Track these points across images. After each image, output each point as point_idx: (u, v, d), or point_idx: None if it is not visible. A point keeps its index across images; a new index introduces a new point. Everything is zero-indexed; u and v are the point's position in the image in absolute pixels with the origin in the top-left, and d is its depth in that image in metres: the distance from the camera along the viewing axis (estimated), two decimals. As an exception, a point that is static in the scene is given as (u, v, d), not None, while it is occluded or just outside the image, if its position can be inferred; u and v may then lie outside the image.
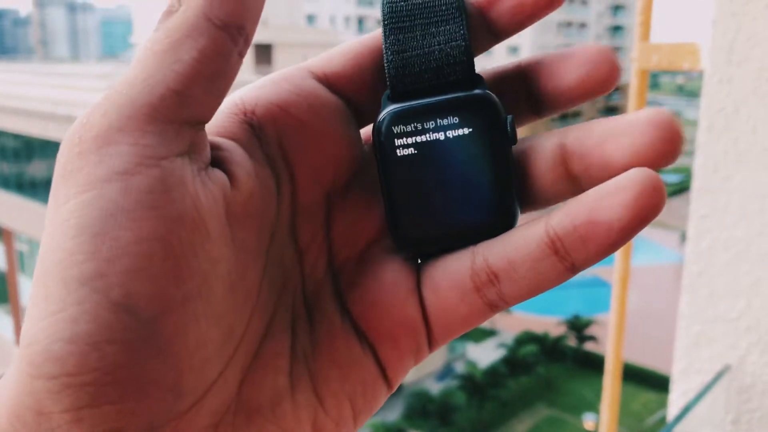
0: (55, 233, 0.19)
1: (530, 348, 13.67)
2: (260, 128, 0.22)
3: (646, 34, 1.01)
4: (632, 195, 0.20)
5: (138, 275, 0.18)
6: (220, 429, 0.20)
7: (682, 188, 19.78)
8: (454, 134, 0.22)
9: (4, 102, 12.50)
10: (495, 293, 0.22)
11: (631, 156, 0.21)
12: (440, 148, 0.23)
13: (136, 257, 0.18)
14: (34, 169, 12.88)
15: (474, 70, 0.23)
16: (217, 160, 0.21)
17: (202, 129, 0.21)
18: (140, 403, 0.18)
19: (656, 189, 0.20)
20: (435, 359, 13.37)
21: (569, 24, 33.89)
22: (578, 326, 14.60)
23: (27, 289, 12.88)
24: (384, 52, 0.23)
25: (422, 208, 0.23)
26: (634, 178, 0.20)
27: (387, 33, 0.23)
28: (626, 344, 1.16)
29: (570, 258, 0.21)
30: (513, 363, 13.45)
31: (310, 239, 0.23)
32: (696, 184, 0.91)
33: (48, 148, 12.20)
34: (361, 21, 32.56)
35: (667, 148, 0.21)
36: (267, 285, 0.22)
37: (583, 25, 34.56)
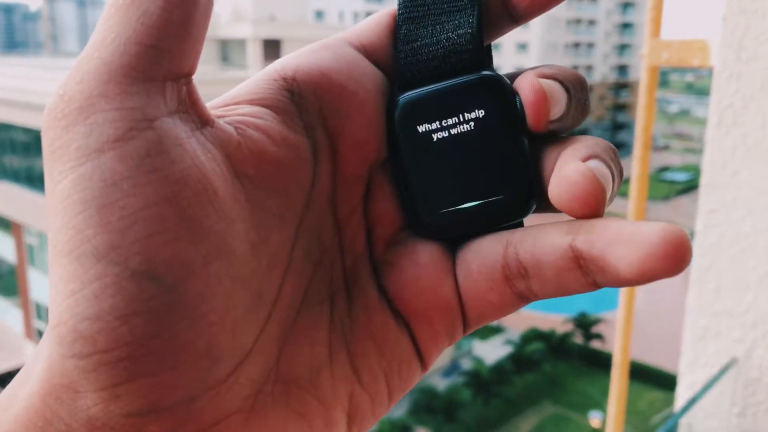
0: (59, 212, 0.18)
1: (536, 345, 13.65)
2: (300, 95, 0.22)
3: (656, 30, 1.02)
4: (641, 255, 0.19)
5: (153, 240, 0.18)
6: (259, 399, 0.20)
7: (690, 186, 19.67)
8: (465, 116, 0.23)
9: (14, 96, 12.55)
10: (524, 286, 0.22)
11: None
12: (451, 131, 0.23)
13: (148, 223, 0.18)
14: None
15: (482, 56, 0.23)
16: (229, 122, 0.21)
17: (189, 83, 0.20)
18: (176, 373, 0.18)
19: (671, 253, 0.19)
20: (441, 356, 13.35)
21: (578, 21, 33.74)
22: (585, 324, 14.57)
23: (37, 282, 12.94)
24: (396, 42, 0.23)
25: (438, 192, 0.23)
26: (652, 236, 0.19)
27: (400, 23, 0.23)
28: (633, 342, 1.17)
29: (592, 276, 0.20)
30: (519, 360, 13.44)
31: (350, 213, 0.23)
32: (704, 179, 0.92)
33: (57, 143, 12.20)
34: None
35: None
36: (302, 254, 0.22)
37: (592, 22, 34.40)
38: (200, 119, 0.20)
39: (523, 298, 0.22)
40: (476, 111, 0.23)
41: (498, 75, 0.23)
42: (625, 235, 0.20)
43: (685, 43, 0.98)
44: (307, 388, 0.21)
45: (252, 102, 0.21)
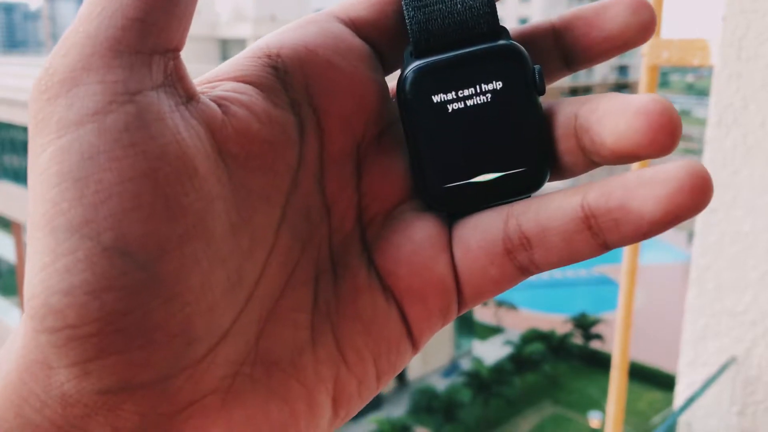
0: (37, 185, 0.18)
1: (536, 346, 13.65)
2: (285, 71, 0.21)
3: (656, 29, 1.02)
4: (667, 191, 0.19)
5: (127, 216, 0.17)
6: (237, 380, 0.20)
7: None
8: (481, 87, 0.22)
9: (14, 95, 12.55)
10: (526, 258, 0.21)
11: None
12: (468, 102, 0.22)
13: (122, 198, 0.17)
14: (44, 162, 12.91)
15: (498, 22, 0.22)
16: (213, 98, 0.20)
17: (176, 58, 0.20)
18: (149, 352, 0.18)
19: (696, 188, 0.19)
20: (441, 356, 13.38)
21: (580, 0, 33.80)
22: (585, 324, 14.57)
23: (36, 281, 12.90)
24: (404, 7, 0.22)
25: (450, 163, 0.22)
26: (674, 171, 0.19)
27: None
28: (632, 343, 1.17)
29: (603, 236, 0.20)
30: (519, 360, 13.44)
31: (339, 191, 0.22)
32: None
33: (58, 142, 12.22)
34: (370, 17, 32.44)
35: (695, 195, 0.19)
36: (288, 233, 0.21)
37: (593, 2, 34.36)
38: (186, 94, 0.19)
39: (524, 272, 0.22)
40: (493, 82, 0.22)
41: (517, 45, 0.22)
42: (646, 177, 0.19)
43: (685, 42, 0.99)
44: (288, 371, 0.21)
45: (236, 79, 0.21)
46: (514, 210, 0.22)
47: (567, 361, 14.18)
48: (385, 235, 0.23)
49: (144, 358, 0.18)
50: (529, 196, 0.23)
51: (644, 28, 0.22)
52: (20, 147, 13.34)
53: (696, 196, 0.19)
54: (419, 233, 0.22)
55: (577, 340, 14.49)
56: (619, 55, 0.23)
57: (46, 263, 0.17)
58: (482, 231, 0.22)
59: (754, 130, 0.87)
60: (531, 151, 0.22)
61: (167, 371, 0.18)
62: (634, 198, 0.19)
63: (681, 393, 0.99)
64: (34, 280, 0.18)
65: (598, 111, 0.21)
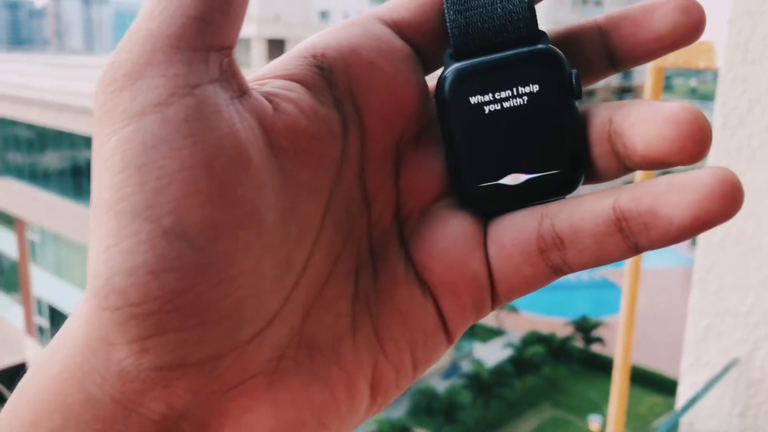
0: (102, 172, 0.19)
1: (537, 348, 13.64)
2: (330, 71, 0.22)
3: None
4: (697, 198, 0.19)
5: (186, 202, 0.18)
6: (282, 363, 0.21)
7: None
8: (518, 89, 0.22)
9: (18, 92, 12.58)
10: (559, 257, 0.22)
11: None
12: (505, 104, 0.22)
13: (182, 185, 0.18)
14: (47, 159, 12.93)
15: (537, 26, 0.23)
16: (264, 94, 0.21)
17: (230, 55, 0.21)
18: (202, 330, 0.19)
19: (727, 195, 0.19)
20: (441, 357, 13.34)
21: (585, 1, 33.78)
22: (585, 328, 14.55)
23: (38, 278, 12.94)
24: (446, 11, 0.23)
25: (485, 163, 0.23)
26: (705, 178, 0.19)
27: None
28: (633, 346, 1.17)
29: (634, 239, 0.21)
30: (519, 363, 13.42)
31: (378, 187, 0.23)
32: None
33: (61, 139, 12.25)
34: (374, 18, 32.46)
35: (726, 202, 0.19)
36: (332, 226, 0.22)
37: (598, 3, 34.37)
38: (240, 89, 0.21)
39: (557, 271, 0.22)
40: (531, 85, 0.22)
41: (555, 49, 0.22)
42: (676, 183, 0.20)
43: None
44: (330, 356, 0.22)
45: (284, 77, 0.22)
46: (548, 210, 0.22)
47: (567, 364, 14.16)
48: (421, 232, 0.24)
49: (197, 336, 0.19)
50: (563, 198, 0.23)
51: (694, 28, 0.22)
52: (23, 144, 13.35)
53: (726, 203, 0.19)
54: (454, 230, 0.23)
55: (578, 343, 14.48)
56: (665, 55, 0.23)
57: (109, 245, 0.18)
58: (517, 230, 0.22)
59: (759, 132, 0.88)
60: (566, 153, 0.22)
61: (218, 350, 0.19)
62: (663, 203, 0.20)
63: (683, 394, 0.99)
64: (97, 261, 0.19)
65: (630, 117, 0.21)
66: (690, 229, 0.20)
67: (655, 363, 12.70)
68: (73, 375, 0.19)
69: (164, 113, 0.19)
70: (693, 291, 0.96)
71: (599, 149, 0.22)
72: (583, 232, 0.21)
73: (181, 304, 0.18)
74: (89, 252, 0.19)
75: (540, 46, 0.23)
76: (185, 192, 0.18)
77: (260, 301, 0.20)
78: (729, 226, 0.91)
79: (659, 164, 0.21)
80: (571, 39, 0.24)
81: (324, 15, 31.57)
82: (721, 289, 0.93)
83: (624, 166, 0.22)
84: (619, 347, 1.14)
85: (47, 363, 0.20)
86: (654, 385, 12.74)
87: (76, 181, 12.38)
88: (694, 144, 0.20)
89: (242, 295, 0.19)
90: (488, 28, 0.23)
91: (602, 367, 13.11)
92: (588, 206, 0.21)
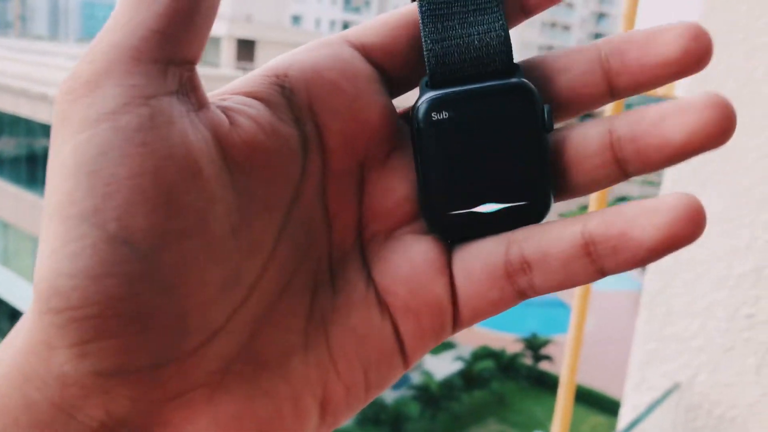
0: (55, 177, 0.19)
1: (486, 363, 13.74)
2: (291, 90, 0.23)
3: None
4: (667, 220, 0.20)
5: (132, 209, 0.19)
6: (227, 377, 0.21)
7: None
8: (491, 122, 0.23)
9: (-24, 74, 12.23)
10: (526, 282, 0.22)
11: (689, 134, 0.21)
12: (477, 135, 0.23)
13: (129, 192, 0.19)
14: (2, 145, 12.60)
15: (512, 60, 0.23)
16: (222, 109, 0.22)
17: (192, 70, 0.21)
18: (143, 338, 0.19)
19: (693, 219, 0.20)
20: (396, 381, 13.34)
21: (553, 24, 34.36)
22: (535, 345, 14.72)
23: (7, 282, 12.56)
24: (423, 39, 0.23)
25: (457, 191, 0.23)
26: (673, 202, 0.20)
27: (425, 21, 0.23)
28: (580, 366, 1.18)
29: (600, 263, 0.21)
30: (468, 377, 13.51)
31: (340, 207, 0.24)
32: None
33: (18, 125, 11.95)
34: (346, 26, 32.56)
35: (722, 125, 0.21)
36: (288, 242, 0.22)
37: (566, 28, 35.01)
38: (198, 103, 0.21)
39: (522, 295, 0.23)
40: (503, 116, 0.23)
41: (528, 84, 0.23)
42: (647, 207, 0.21)
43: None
44: (277, 372, 0.22)
45: (245, 94, 0.23)
46: (515, 236, 0.23)
47: (515, 381, 14.30)
48: (384, 255, 0.24)
49: (138, 344, 0.19)
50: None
51: (703, 55, 0.22)
52: (-23, 126, 12.98)
53: (692, 226, 0.20)
54: (419, 255, 0.23)
55: (527, 360, 14.64)
56: (667, 84, 0.22)
57: (55, 248, 0.19)
58: (484, 255, 0.23)
59: (713, 160, 0.90)
60: (535, 185, 0.23)
61: (159, 359, 0.19)
62: (634, 227, 0.21)
63: (625, 415, 1.00)
64: (43, 264, 0.19)
65: (648, 118, 0.22)
66: (658, 251, 0.21)
67: (599, 384, 12.91)
68: (15, 378, 0.19)
69: (118, 122, 0.19)
70: (640, 314, 0.97)
71: (596, 160, 0.22)
72: (551, 256, 0.22)
73: (122, 310, 0.18)
74: (37, 257, 0.19)
75: (514, 79, 0.23)
76: (132, 199, 0.19)
77: (205, 312, 0.20)
78: (680, 252, 0.92)
79: (697, 152, 0.21)
80: (568, 63, 0.23)
81: (296, 19, 31.52)
82: (669, 313, 0.94)
83: (622, 173, 0.22)
84: (566, 366, 1.15)
85: None
86: (598, 405, 12.94)
87: (30, 169, 12.09)
88: (731, 124, 0.21)
89: (186, 305, 0.19)
90: (465, 59, 0.23)
91: (549, 385, 13.27)
92: (557, 232, 0.22)
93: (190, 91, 0.21)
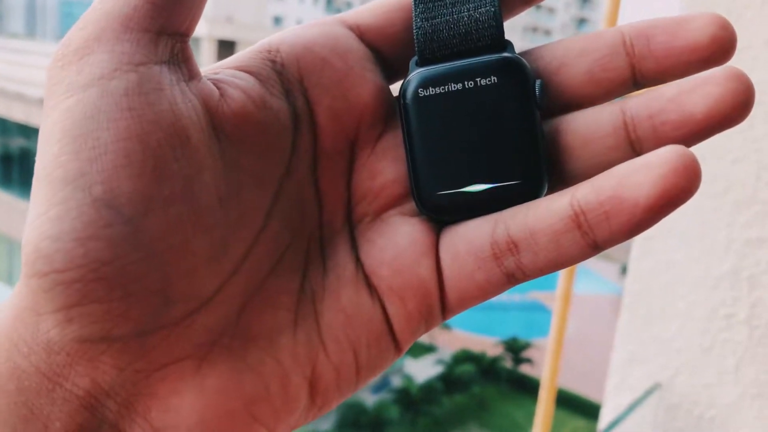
0: (43, 142, 0.19)
1: (467, 367, 13.78)
2: (282, 65, 0.23)
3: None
4: (662, 172, 0.19)
5: (118, 172, 0.19)
6: (214, 350, 0.21)
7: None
8: (481, 98, 0.22)
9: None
10: (514, 263, 0.21)
11: (712, 105, 0.20)
12: (467, 112, 0.22)
13: (115, 155, 0.19)
14: (-23, 143, 12.42)
15: (503, 35, 0.23)
16: (213, 81, 0.22)
17: (184, 42, 0.21)
18: (126, 304, 0.19)
19: (689, 168, 0.19)
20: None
21: (534, 29, 34.62)
22: (515, 348, 14.78)
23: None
24: (413, 19, 0.23)
25: (447, 171, 0.23)
26: (666, 155, 0.19)
27: (417, 1, 0.23)
28: (560, 369, 1.19)
29: (593, 234, 0.20)
30: (449, 380, 13.53)
31: (330, 186, 0.23)
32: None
33: (-7, 124, 11.79)
34: (327, 28, 32.53)
35: (745, 97, 0.20)
36: (280, 218, 0.22)
37: (547, 33, 35.30)
38: (189, 74, 0.21)
39: (511, 278, 0.22)
40: (492, 94, 0.22)
41: (519, 58, 0.22)
42: (638, 163, 0.20)
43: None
44: (265, 348, 0.21)
45: (236, 68, 0.23)
46: (502, 215, 0.22)
47: (496, 384, 14.35)
48: (371, 237, 0.23)
49: (122, 309, 0.19)
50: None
51: (730, 46, 0.21)
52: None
53: (688, 176, 0.19)
54: (404, 237, 0.23)
55: (507, 363, 14.70)
56: (695, 73, 0.21)
57: (40, 212, 0.19)
58: (470, 236, 0.22)
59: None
60: (527, 163, 0.22)
61: (144, 327, 0.19)
62: (627, 185, 0.19)
63: (606, 416, 1.01)
64: (29, 228, 0.19)
65: (667, 94, 0.21)
66: (654, 211, 0.19)
67: (579, 387, 12.99)
68: (2, 345, 0.19)
69: (106, 86, 0.19)
70: (622, 315, 0.98)
71: (609, 141, 0.22)
72: (538, 232, 0.21)
73: (106, 273, 0.18)
74: (26, 222, 0.19)
75: (504, 54, 0.22)
76: (118, 163, 0.19)
77: (191, 281, 0.20)
78: (660, 254, 0.93)
79: (717, 128, 0.20)
80: (587, 46, 0.23)
81: (278, 20, 31.46)
82: (649, 314, 0.95)
83: (637, 155, 0.21)
84: (547, 369, 1.16)
85: None
86: (578, 408, 13.02)
87: (5, 169, 11.93)
88: (751, 98, 0.20)
89: (171, 272, 0.19)
90: (454, 35, 0.23)
91: (529, 388, 13.34)
92: (544, 205, 0.21)
93: (181, 62, 0.21)
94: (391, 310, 0.23)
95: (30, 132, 11.16)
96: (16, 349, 0.19)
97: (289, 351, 0.22)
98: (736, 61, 0.20)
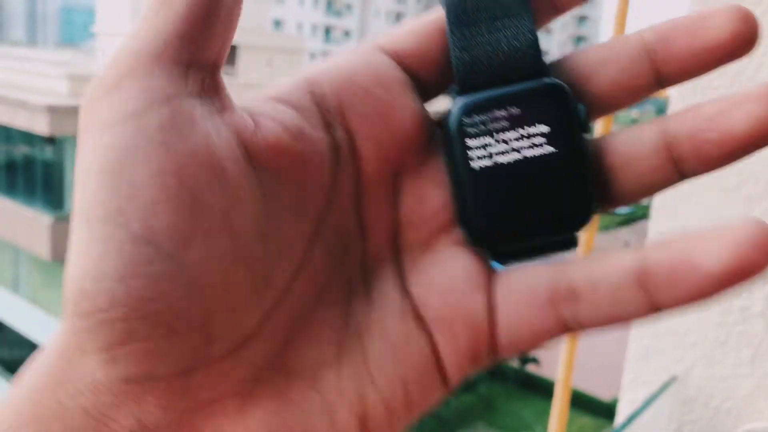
0: (80, 180, 0.19)
1: (473, 366, 13.74)
2: (322, 95, 0.22)
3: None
4: (737, 243, 0.19)
5: (155, 208, 0.19)
6: (259, 385, 0.20)
7: (630, 219, 20.26)
8: (524, 127, 0.22)
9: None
10: (570, 312, 0.21)
11: (753, 123, 0.20)
12: (512, 144, 0.22)
13: (152, 191, 0.19)
14: (-19, 152, 12.44)
15: (542, 62, 0.22)
16: (249, 112, 0.22)
17: (214, 73, 0.21)
18: (169, 341, 0.19)
19: (766, 243, 0.19)
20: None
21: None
22: (521, 348, 14.74)
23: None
24: (450, 48, 0.23)
25: (494, 201, 0.22)
26: (746, 225, 0.19)
27: (452, 29, 0.23)
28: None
29: (655, 295, 0.20)
30: (455, 380, 13.49)
31: (375, 216, 0.23)
32: (656, 202, 0.95)
33: (-3, 132, 11.81)
34: (328, 30, 32.55)
35: None
36: (322, 251, 0.22)
37: (548, 31, 35.28)
38: (222, 105, 0.21)
39: (565, 327, 0.21)
40: (539, 125, 0.22)
41: (560, 82, 0.22)
42: (713, 230, 0.19)
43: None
44: (309, 383, 0.21)
45: (274, 99, 0.22)
46: (565, 261, 0.22)
47: (502, 384, 14.33)
48: (422, 266, 0.23)
49: (165, 348, 0.19)
50: (574, 245, 0.23)
51: (752, 38, 0.21)
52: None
53: (764, 252, 0.19)
54: (459, 269, 0.22)
55: (514, 362, 14.68)
56: (717, 69, 0.21)
57: (81, 251, 0.19)
58: (528, 277, 0.22)
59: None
60: (574, 189, 0.22)
61: (187, 364, 0.19)
62: (698, 251, 0.19)
63: (623, 410, 1.01)
64: (72, 266, 0.19)
65: (705, 113, 0.21)
66: (722, 282, 0.19)
67: (586, 386, 12.97)
68: (48, 385, 0.19)
69: (139, 122, 0.19)
70: (636, 310, 0.98)
71: (653, 162, 0.22)
72: (601, 284, 0.20)
73: (149, 311, 0.18)
74: (68, 260, 0.19)
75: (546, 79, 0.22)
76: (155, 198, 0.19)
77: (233, 315, 0.20)
78: (673, 248, 0.94)
79: (759, 144, 0.20)
80: (609, 55, 0.23)
81: (278, 24, 31.46)
82: (663, 308, 0.96)
83: (677, 175, 0.22)
84: (562, 362, 1.16)
85: (31, 371, 0.20)
86: (585, 406, 12.99)
87: (10, 177, 11.94)
88: None
89: (213, 307, 0.19)
90: (493, 64, 0.23)
91: (536, 387, 13.32)
92: (610, 259, 0.21)
93: (213, 93, 0.21)
94: (441, 341, 0.22)
95: (33, 139, 11.17)
96: (62, 389, 0.19)
97: (334, 385, 0.21)
98: (748, 60, 0.20)
